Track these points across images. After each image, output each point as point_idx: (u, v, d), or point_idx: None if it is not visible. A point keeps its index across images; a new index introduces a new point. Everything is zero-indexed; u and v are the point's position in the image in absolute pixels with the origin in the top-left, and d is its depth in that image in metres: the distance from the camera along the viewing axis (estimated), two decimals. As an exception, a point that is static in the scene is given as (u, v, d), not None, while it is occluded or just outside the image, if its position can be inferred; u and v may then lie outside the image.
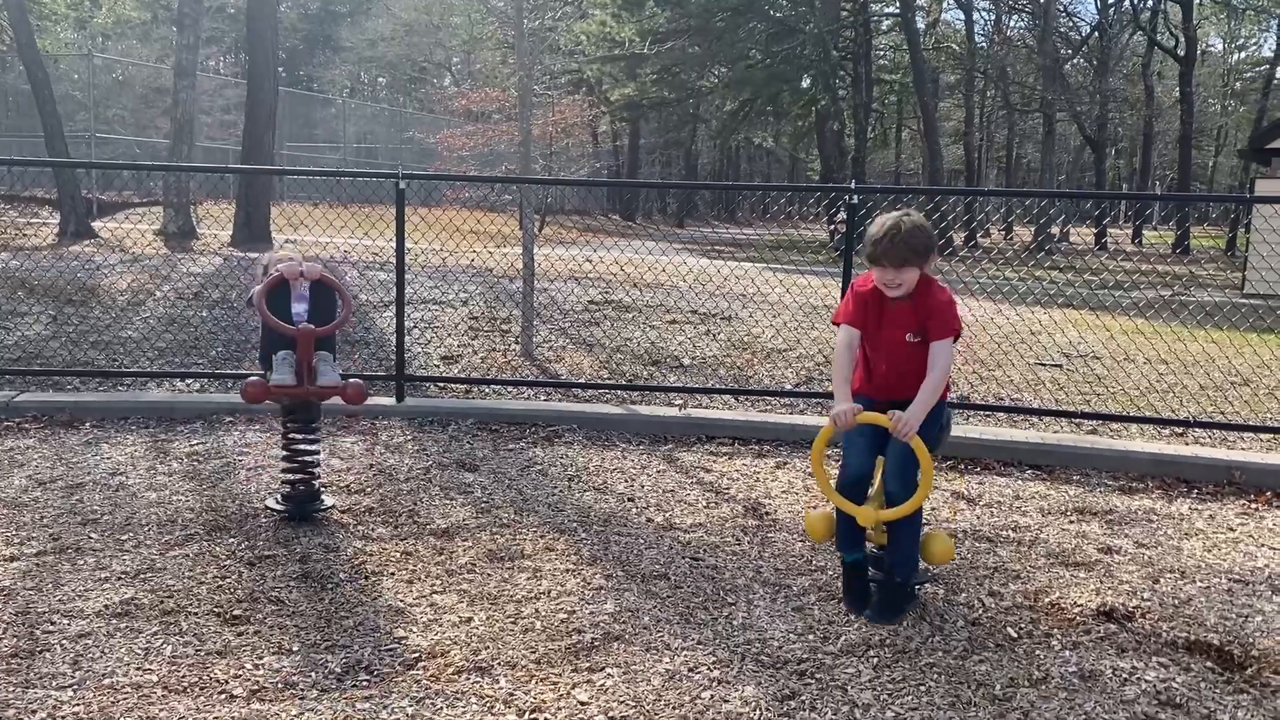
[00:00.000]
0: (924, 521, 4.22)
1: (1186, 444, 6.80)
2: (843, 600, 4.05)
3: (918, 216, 3.82)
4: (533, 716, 3.18)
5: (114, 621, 3.74)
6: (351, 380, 4.86)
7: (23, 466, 5.65)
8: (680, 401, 7.59)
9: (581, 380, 8.10)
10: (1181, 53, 40.53)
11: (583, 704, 3.26)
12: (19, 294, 9.76)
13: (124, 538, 4.60)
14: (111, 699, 3.20)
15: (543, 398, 7.72)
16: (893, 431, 3.73)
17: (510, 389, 7.87)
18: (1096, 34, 40.59)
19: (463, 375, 8.16)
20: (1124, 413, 7.48)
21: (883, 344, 3.93)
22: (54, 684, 3.28)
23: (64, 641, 3.57)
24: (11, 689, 3.24)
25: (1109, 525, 5.25)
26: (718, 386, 8.09)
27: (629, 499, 5.45)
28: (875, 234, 3.78)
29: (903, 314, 3.86)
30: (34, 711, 3.12)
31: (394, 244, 7.39)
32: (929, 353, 3.82)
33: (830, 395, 7.31)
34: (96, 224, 15.98)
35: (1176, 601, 4.24)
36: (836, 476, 3.96)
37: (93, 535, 4.62)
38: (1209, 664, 3.69)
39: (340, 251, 13.27)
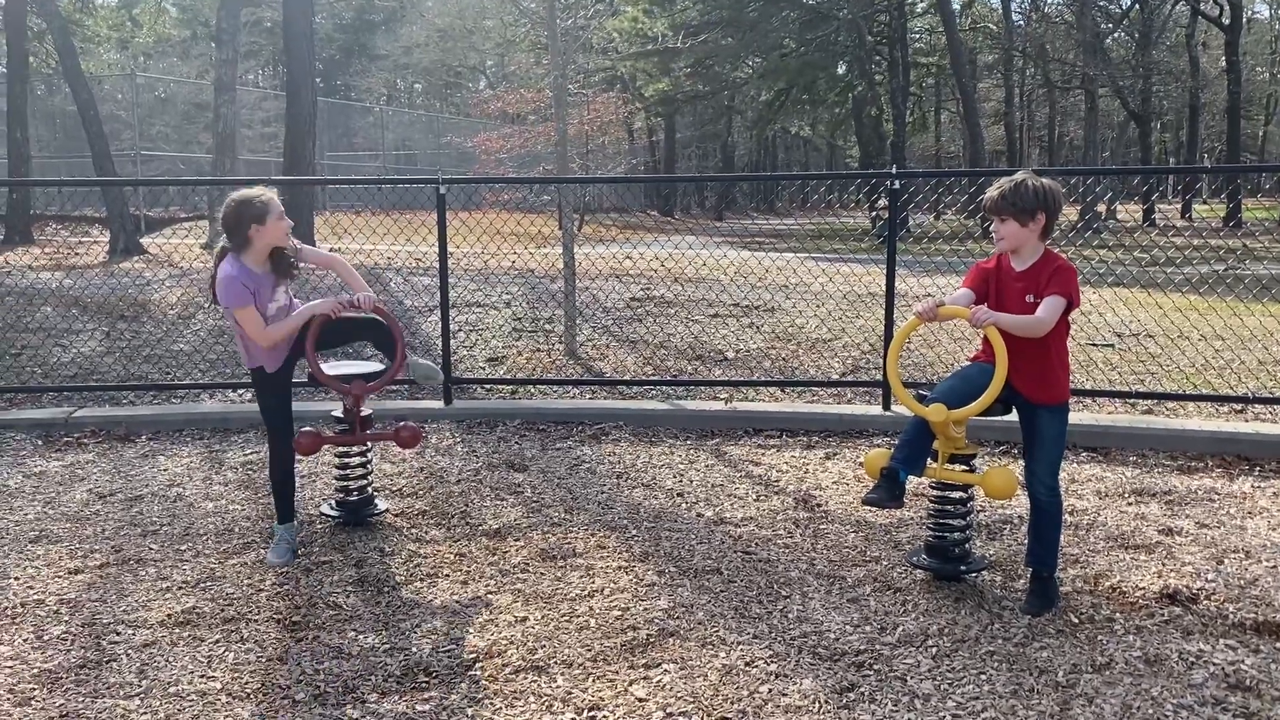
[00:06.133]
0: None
1: (1246, 420, 6.66)
2: (864, 498, 3.92)
3: (1040, 181, 3.88)
4: (591, 714, 3.19)
5: (177, 630, 3.81)
6: (404, 424, 4.97)
7: (83, 480, 5.77)
8: (726, 395, 7.56)
9: (626, 377, 8.10)
10: (1227, 21, 39.60)
11: (640, 700, 3.26)
12: (73, 312, 9.96)
13: (183, 548, 4.69)
14: (177, 707, 3.26)
15: (588, 396, 7.74)
16: (970, 320, 3.81)
17: (555, 388, 7.89)
18: (1137, 6, 39.78)
19: (508, 376, 8.20)
20: (1180, 391, 7.33)
21: (1002, 309, 3.96)
22: (121, 693, 3.35)
23: (129, 651, 3.64)
24: (81, 699, 3.31)
25: (1169, 506, 5.15)
26: (763, 379, 8.06)
27: (678, 494, 5.44)
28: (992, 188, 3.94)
29: (1021, 281, 3.93)
30: (103, 720, 3.18)
31: (436, 249, 7.44)
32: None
33: (878, 383, 7.26)
34: (145, 240, 16.26)
35: (1242, 582, 4.15)
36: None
37: (153, 546, 4.71)
38: (1279, 645, 3.61)
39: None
